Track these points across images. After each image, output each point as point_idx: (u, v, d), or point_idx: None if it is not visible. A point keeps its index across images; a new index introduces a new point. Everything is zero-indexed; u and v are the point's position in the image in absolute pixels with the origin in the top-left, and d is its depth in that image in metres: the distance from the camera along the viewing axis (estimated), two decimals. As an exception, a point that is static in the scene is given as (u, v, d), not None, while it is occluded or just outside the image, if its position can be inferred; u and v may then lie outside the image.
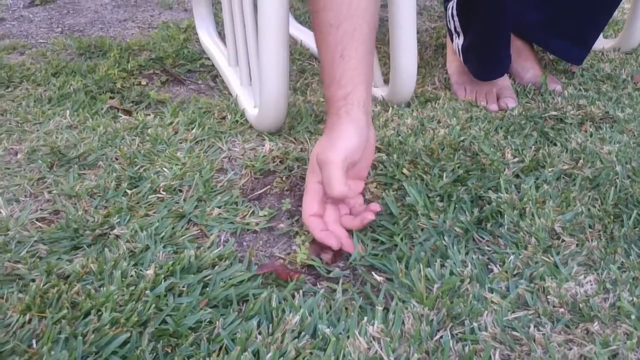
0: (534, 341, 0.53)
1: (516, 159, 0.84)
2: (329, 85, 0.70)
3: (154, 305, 0.55)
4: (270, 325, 0.55)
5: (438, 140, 0.89)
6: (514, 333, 0.54)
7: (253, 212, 0.74)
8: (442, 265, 0.63)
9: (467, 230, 0.69)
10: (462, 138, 0.90)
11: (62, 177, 0.80)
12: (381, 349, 0.52)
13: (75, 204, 0.74)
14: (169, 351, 0.52)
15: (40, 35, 1.52)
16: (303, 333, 0.54)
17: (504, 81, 1.08)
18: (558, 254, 0.64)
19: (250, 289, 0.60)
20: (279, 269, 0.63)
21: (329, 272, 0.64)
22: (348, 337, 0.53)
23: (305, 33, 1.46)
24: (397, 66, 0.95)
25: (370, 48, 0.71)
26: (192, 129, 0.95)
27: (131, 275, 0.60)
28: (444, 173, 0.79)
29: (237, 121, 0.98)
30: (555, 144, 0.89)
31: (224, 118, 1.00)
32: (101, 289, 0.58)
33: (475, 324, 0.55)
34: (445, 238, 0.67)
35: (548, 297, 0.58)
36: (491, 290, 0.59)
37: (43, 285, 0.58)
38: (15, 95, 1.09)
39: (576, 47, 1.12)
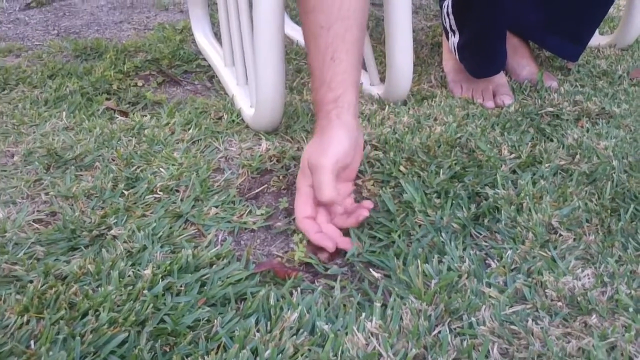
0: (532, 335, 0.53)
1: (513, 155, 0.84)
2: (318, 88, 0.69)
3: (151, 305, 0.55)
4: (269, 323, 0.55)
5: (435, 138, 0.89)
6: (512, 327, 0.54)
7: (250, 211, 0.74)
8: (440, 261, 0.63)
9: (464, 226, 0.69)
10: (458, 135, 0.90)
11: (59, 178, 0.80)
12: (379, 345, 0.52)
13: (72, 205, 0.74)
14: (167, 350, 0.52)
15: (36, 38, 1.52)
16: (301, 330, 0.54)
17: (500, 78, 1.08)
18: (555, 248, 0.64)
19: (248, 287, 0.60)
20: (276, 267, 0.64)
21: (326, 269, 0.64)
22: (346, 334, 0.53)
23: (300, 33, 1.45)
24: (393, 64, 0.95)
25: (360, 50, 0.71)
26: (189, 129, 0.95)
27: (129, 275, 0.60)
28: (441, 170, 0.79)
29: (233, 121, 0.99)
30: (551, 140, 0.89)
31: (220, 118, 1.00)
32: (99, 289, 0.58)
33: (473, 319, 0.55)
34: (443, 234, 0.67)
35: (546, 291, 0.58)
36: (489, 285, 0.59)
37: (41, 286, 0.58)
38: (11, 98, 1.09)
39: (572, 44, 1.12)
